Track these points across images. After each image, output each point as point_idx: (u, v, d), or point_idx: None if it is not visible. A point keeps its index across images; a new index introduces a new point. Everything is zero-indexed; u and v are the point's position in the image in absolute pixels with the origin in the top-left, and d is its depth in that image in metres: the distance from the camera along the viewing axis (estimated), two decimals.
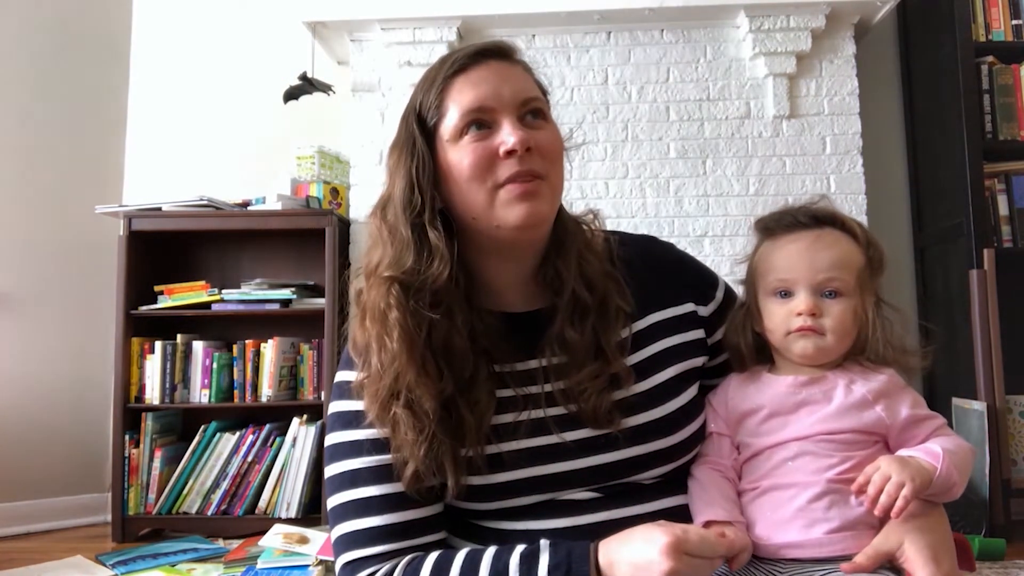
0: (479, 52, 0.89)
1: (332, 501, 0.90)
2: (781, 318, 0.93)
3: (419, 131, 0.89)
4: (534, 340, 0.92)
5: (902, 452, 0.86)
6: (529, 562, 0.78)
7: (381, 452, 0.86)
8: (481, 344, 0.89)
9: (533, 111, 0.89)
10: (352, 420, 0.89)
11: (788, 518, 0.85)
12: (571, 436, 0.88)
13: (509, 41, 0.94)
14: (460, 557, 0.82)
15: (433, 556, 0.83)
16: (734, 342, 0.98)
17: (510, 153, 0.85)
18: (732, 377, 0.99)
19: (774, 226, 0.97)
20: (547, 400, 0.89)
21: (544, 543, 0.80)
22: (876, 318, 0.91)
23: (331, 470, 0.90)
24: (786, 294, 0.93)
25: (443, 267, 0.85)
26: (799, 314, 0.90)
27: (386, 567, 0.83)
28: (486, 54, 0.89)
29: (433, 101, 0.89)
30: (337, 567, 0.88)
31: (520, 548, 0.81)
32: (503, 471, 0.87)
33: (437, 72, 0.90)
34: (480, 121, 0.86)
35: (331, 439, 0.91)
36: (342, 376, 0.92)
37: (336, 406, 0.92)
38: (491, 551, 0.81)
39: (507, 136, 0.85)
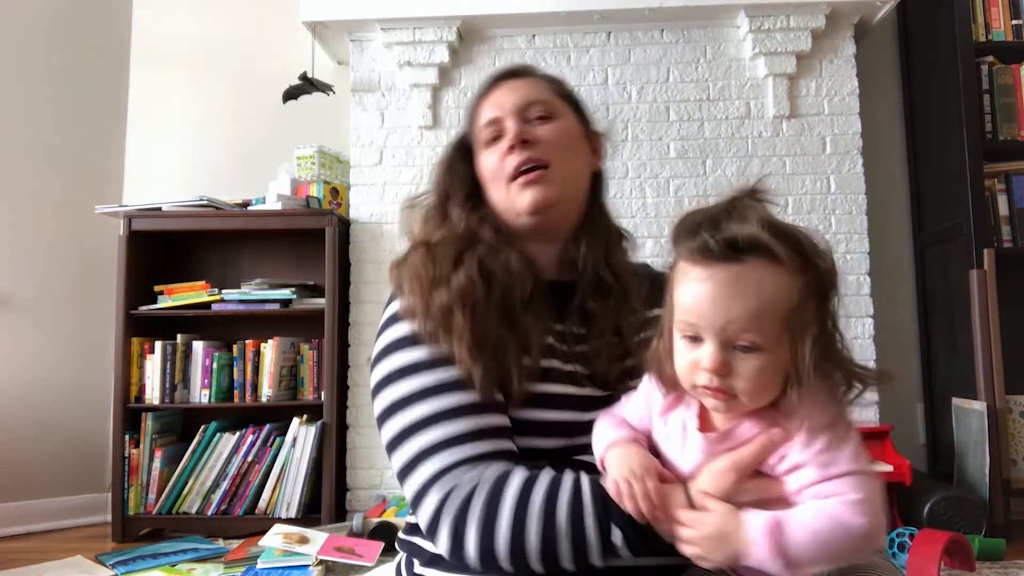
0: (497, 77, 1.07)
1: (400, 420, 0.89)
2: (687, 367, 0.77)
3: (459, 151, 1.06)
4: (562, 307, 1.00)
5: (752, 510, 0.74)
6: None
7: (448, 366, 0.89)
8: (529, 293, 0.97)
9: (539, 114, 1.01)
10: (411, 341, 0.92)
11: None
12: (585, 392, 0.95)
13: (524, 63, 1.12)
14: (546, 483, 0.83)
15: (519, 473, 0.84)
16: (655, 368, 0.84)
17: (511, 149, 0.98)
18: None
19: (685, 247, 0.77)
20: (570, 358, 0.97)
21: None
22: (814, 358, 0.73)
23: (395, 391, 0.91)
24: (695, 339, 0.76)
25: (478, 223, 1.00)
26: (705, 370, 0.75)
27: (473, 475, 0.84)
28: (503, 77, 1.06)
29: (468, 123, 1.07)
30: (418, 482, 0.86)
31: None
32: (535, 408, 0.91)
33: (473, 99, 1.08)
34: (495, 132, 1.01)
35: (392, 362, 0.92)
36: (393, 308, 0.97)
37: (393, 332, 0.95)
38: (571, 474, 0.84)
39: (507, 136, 1.00)
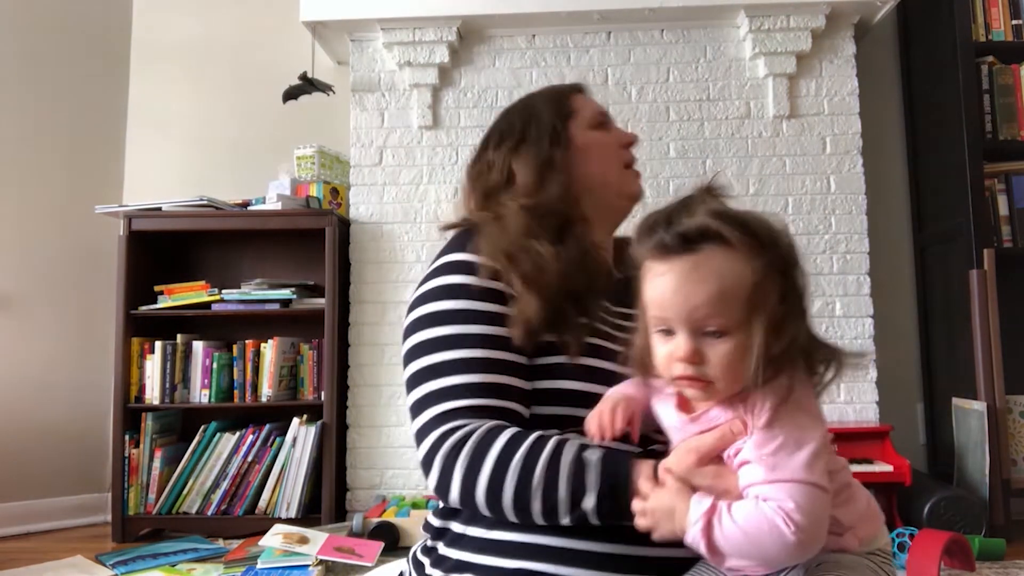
0: (576, 87, 1.22)
1: (430, 359, 0.95)
2: (663, 359, 0.80)
3: (557, 116, 1.14)
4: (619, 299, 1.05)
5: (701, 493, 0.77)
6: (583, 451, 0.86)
7: (492, 323, 0.95)
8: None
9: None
10: (456, 292, 0.98)
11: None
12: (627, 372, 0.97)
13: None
14: (529, 441, 0.88)
15: (511, 430, 0.89)
16: (638, 366, 0.87)
17: (630, 143, 1.20)
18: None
19: (645, 247, 0.81)
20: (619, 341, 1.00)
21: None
22: (777, 340, 0.75)
23: (438, 331, 0.96)
24: (667, 332, 0.79)
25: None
26: (679, 360, 0.78)
27: (471, 424, 0.90)
28: (580, 89, 1.22)
29: (563, 105, 1.15)
30: (423, 420, 0.93)
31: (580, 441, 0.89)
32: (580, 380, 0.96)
33: (557, 92, 1.19)
34: (604, 120, 1.18)
35: (444, 305, 0.97)
36: (460, 256, 1.00)
37: (444, 280, 0.99)
38: (555, 440, 0.88)
39: (627, 134, 1.20)
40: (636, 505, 0.80)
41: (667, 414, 0.86)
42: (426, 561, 0.98)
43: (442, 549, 0.96)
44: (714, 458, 0.79)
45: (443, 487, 0.89)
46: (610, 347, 0.97)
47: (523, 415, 0.94)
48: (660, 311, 0.79)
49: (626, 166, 1.18)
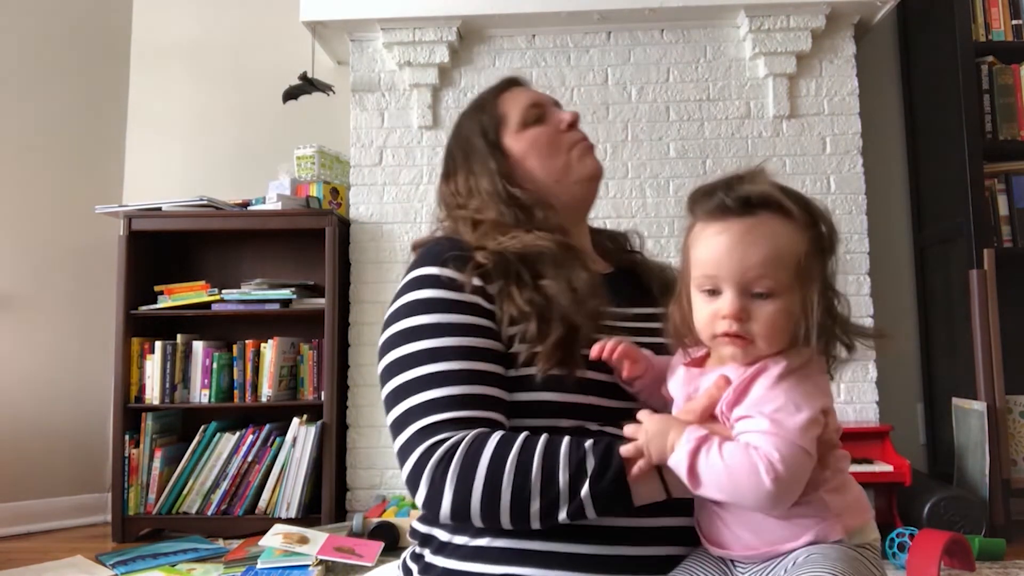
0: (507, 82, 1.19)
1: (408, 375, 0.93)
2: (707, 318, 0.82)
3: (486, 141, 1.12)
4: (628, 293, 1.09)
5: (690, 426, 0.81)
6: (578, 444, 0.86)
7: (469, 335, 0.94)
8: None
9: (559, 105, 1.20)
10: (429, 306, 0.96)
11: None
12: None
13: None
14: (520, 440, 0.87)
15: (498, 433, 0.88)
16: (675, 331, 0.90)
17: (570, 126, 1.14)
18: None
19: (702, 208, 0.85)
20: (636, 333, 1.01)
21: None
22: (818, 311, 0.79)
23: (414, 346, 0.95)
24: (713, 292, 0.82)
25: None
26: (724, 317, 0.80)
27: (457, 435, 0.87)
28: (511, 83, 1.19)
29: (489, 115, 1.14)
30: (405, 436, 0.91)
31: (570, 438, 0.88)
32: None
33: (482, 100, 1.17)
34: (539, 113, 1.13)
35: (418, 320, 0.96)
36: (429, 270, 0.99)
37: (415, 295, 0.98)
38: (545, 436, 0.87)
39: (562, 115, 1.15)
40: (629, 428, 0.82)
41: (676, 376, 0.89)
42: (414, 568, 0.97)
43: (428, 557, 0.95)
44: (711, 417, 0.83)
45: (433, 503, 0.87)
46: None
47: (505, 426, 0.92)
48: (711, 270, 0.81)
49: (572, 147, 1.13)
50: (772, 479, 0.74)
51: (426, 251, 1.03)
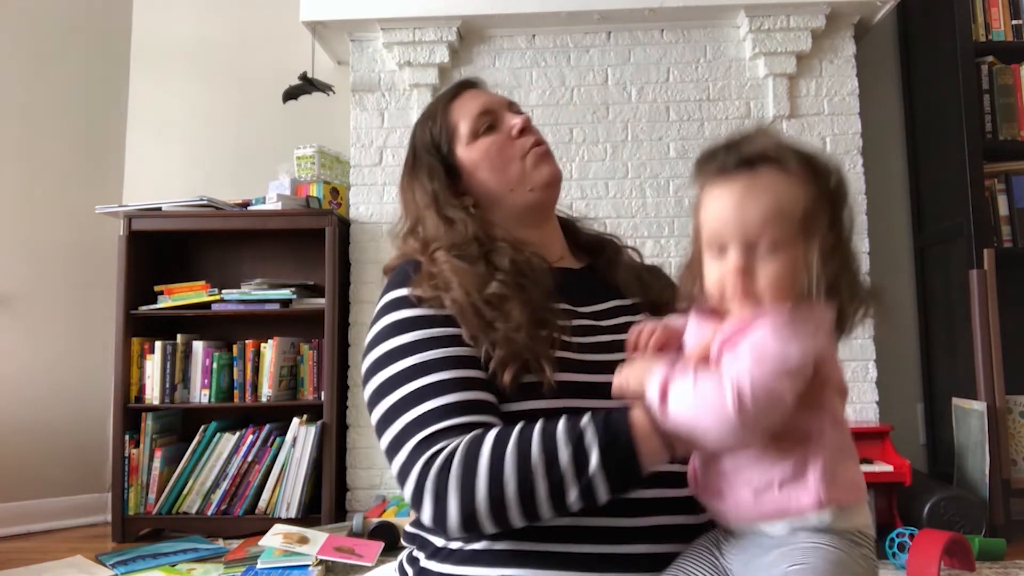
0: (459, 86, 1.16)
1: (398, 393, 0.92)
2: (716, 278, 0.83)
3: (435, 153, 1.11)
4: (595, 288, 1.10)
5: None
6: (574, 422, 0.85)
7: (451, 345, 0.93)
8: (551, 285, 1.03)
9: (513, 108, 1.15)
10: (407, 326, 0.96)
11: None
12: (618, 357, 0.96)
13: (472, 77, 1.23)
14: (516, 429, 0.86)
15: (493, 430, 0.87)
16: (688, 292, 0.91)
17: (521, 132, 1.10)
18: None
19: (706, 171, 0.87)
20: (607, 331, 1.02)
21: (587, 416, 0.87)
22: (824, 264, 0.78)
23: (399, 365, 0.94)
24: (721, 250, 0.82)
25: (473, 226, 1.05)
26: (730, 274, 0.81)
27: (454, 442, 0.86)
28: (463, 86, 1.16)
29: (440, 125, 1.12)
30: (403, 455, 0.89)
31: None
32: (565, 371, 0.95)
33: (433, 108, 1.15)
34: (491, 120, 1.10)
35: (399, 340, 0.95)
36: (399, 292, 0.99)
37: (390, 317, 0.98)
38: (542, 420, 0.86)
39: (512, 121, 1.11)
40: (617, 376, 0.84)
41: (689, 327, 0.89)
42: (410, 571, 0.97)
43: (424, 562, 0.94)
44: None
45: (440, 514, 0.84)
46: (574, 358, 0.95)
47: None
48: (716, 229, 0.83)
49: (524, 155, 1.09)
50: (737, 409, 0.74)
51: (394, 274, 1.05)
